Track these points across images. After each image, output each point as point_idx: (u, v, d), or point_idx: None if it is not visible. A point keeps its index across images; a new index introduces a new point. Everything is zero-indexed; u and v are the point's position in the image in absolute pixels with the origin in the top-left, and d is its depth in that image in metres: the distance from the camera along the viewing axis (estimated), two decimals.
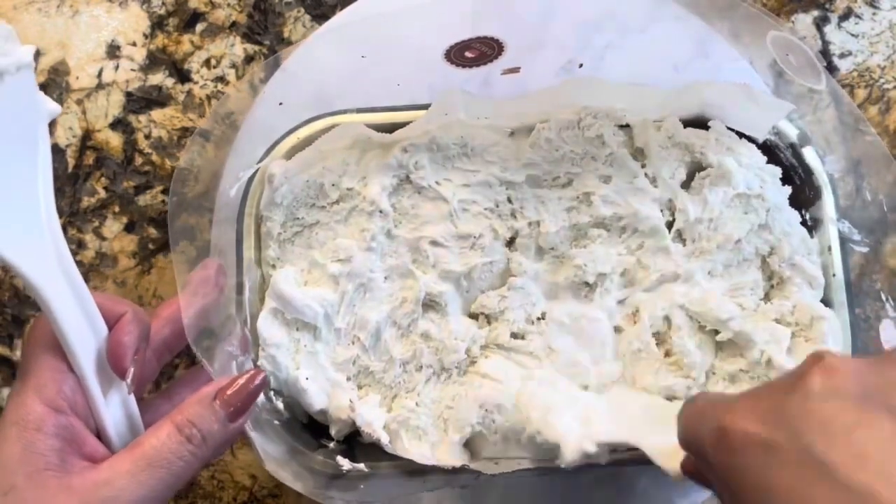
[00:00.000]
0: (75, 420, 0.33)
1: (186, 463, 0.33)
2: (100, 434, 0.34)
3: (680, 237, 0.43)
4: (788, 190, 0.42)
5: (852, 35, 0.49)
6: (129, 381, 0.34)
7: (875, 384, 0.22)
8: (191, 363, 0.46)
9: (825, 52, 0.49)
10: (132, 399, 0.35)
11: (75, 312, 0.33)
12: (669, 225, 0.43)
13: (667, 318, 0.42)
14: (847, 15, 0.49)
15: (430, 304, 0.42)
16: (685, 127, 0.43)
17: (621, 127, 0.43)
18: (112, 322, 0.35)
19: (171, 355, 0.39)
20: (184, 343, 0.37)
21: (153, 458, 0.32)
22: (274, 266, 0.42)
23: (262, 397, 0.41)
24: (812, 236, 0.42)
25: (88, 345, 0.34)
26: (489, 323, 0.43)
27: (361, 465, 0.40)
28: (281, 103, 0.42)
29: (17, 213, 0.32)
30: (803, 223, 0.42)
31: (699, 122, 0.43)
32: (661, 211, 0.43)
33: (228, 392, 0.34)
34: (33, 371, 0.33)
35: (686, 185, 0.43)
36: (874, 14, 0.49)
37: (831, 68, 0.48)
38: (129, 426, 0.35)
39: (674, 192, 0.42)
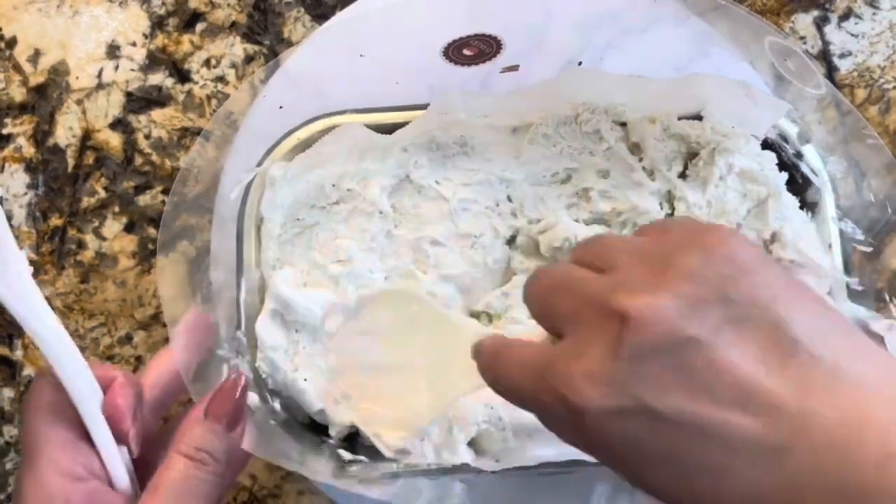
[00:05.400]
0: (97, 484, 0.33)
1: (209, 483, 0.33)
2: (115, 489, 0.34)
3: None
4: (785, 176, 0.42)
5: (852, 35, 0.49)
6: (132, 442, 0.34)
7: (681, 331, 0.23)
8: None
9: (825, 52, 0.49)
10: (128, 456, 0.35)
11: (78, 372, 0.34)
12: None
13: None
14: (847, 15, 0.49)
15: None
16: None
17: (618, 123, 0.43)
18: (104, 387, 0.35)
19: (166, 410, 0.39)
20: (179, 394, 0.37)
21: (178, 492, 0.32)
22: (274, 267, 0.42)
23: (258, 399, 0.41)
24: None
25: (95, 405, 0.34)
26: (490, 321, 0.43)
27: (362, 457, 0.40)
28: (281, 107, 0.42)
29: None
30: None
31: (697, 120, 0.43)
32: (661, 204, 0.43)
33: (215, 405, 0.34)
34: (42, 445, 0.33)
35: (683, 176, 0.43)
36: (874, 14, 0.49)
37: (831, 68, 0.48)
38: (134, 480, 0.35)
39: (672, 182, 0.42)
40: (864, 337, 0.25)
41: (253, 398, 0.41)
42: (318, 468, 0.40)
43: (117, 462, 0.34)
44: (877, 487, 0.21)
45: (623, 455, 0.24)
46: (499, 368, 0.28)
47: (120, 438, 0.34)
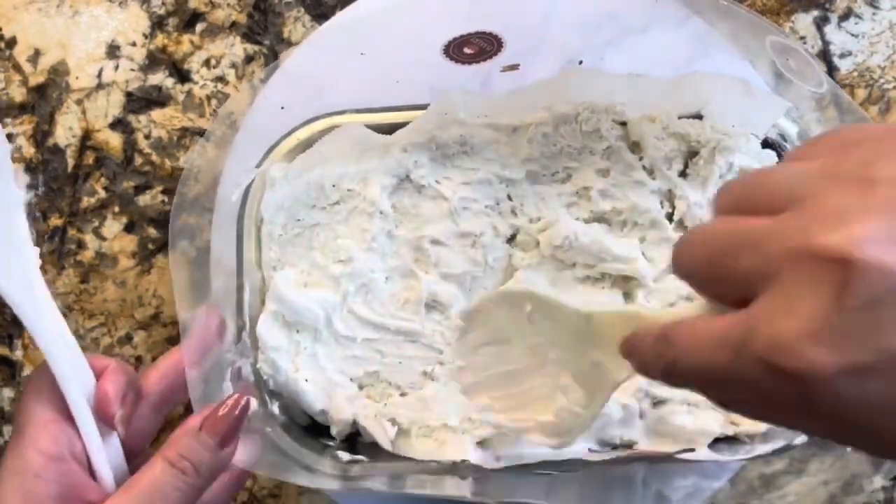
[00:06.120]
0: (75, 466, 0.34)
1: (183, 493, 0.33)
2: (96, 478, 0.35)
3: (682, 227, 0.43)
4: None
5: (852, 35, 0.49)
6: (118, 425, 0.35)
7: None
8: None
9: (825, 52, 0.49)
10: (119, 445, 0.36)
11: (67, 359, 0.35)
12: (670, 217, 0.43)
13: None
14: (847, 15, 0.49)
15: (433, 304, 0.42)
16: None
17: (618, 122, 0.43)
18: (99, 376, 0.36)
19: (170, 408, 0.39)
20: (184, 396, 0.38)
21: (150, 494, 0.33)
22: (275, 268, 0.42)
23: (256, 404, 0.41)
24: None
25: (81, 389, 0.35)
26: None
27: (361, 457, 0.40)
28: (283, 107, 0.42)
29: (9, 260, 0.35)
30: None
31: (697, 119, 0.43)
32: (661, 203, 0.43)
33: (213, 420, 0.35)
34: (29, 422, 0.34)
35: (683, 175, 0.43)
36: (874, 14, 0.49)
37: (831, 68, 0.48)
38: (124, 470, 0.36)
39: (672, 181, 0.42)
40: None
41: (252, 403, 0.40)
42: (317, 475, 0.40)
43: (99, 449, 0.35)
44: None
45: (870, 423, 0.20)
46: (677, 352, 0.24)
47: (107, 422, 0.35)
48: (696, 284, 0.24)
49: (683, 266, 0.24)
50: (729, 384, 0.22)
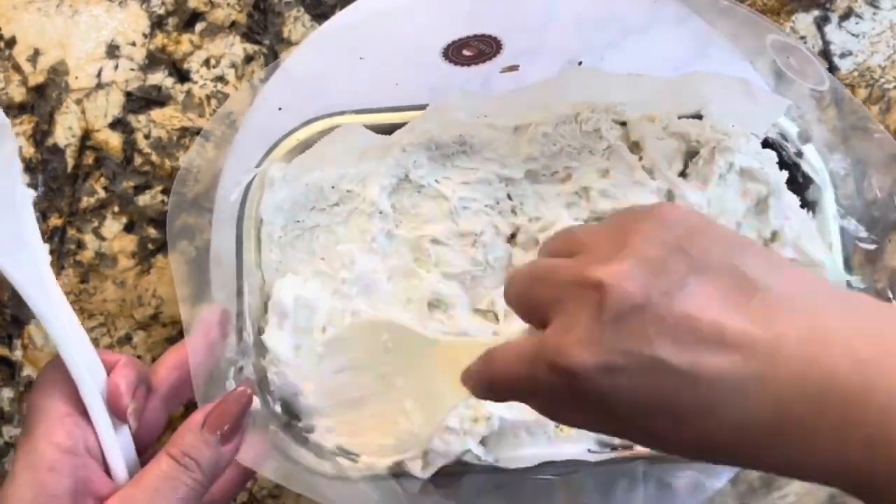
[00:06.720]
0: (89, 460, 0.34)
1: (188, 488, 0.34)
2: (110, 471, 0.35)
3: None
4: (786, 174, 0.42)
5: (853, 35, 0.49)
6: (130, 417, 0.35)
7: (653, 287, 0.26)
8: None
9: (826, 52, 0.49)
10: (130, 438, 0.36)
11: (80, 353, 0.35)
12: None
13: None
14: (847, 15, 0.49)
15: (436, 304, 0.42)
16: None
17: (618, 122, 0.43)
18: (110, 371, 0.36)
19: (179, 403, 0.39)
20: (192, 391, 0.38)
21: (157, 489, 0.33)
22: (277, 269, 0.42)
23: (259, 403, 0.41)
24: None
25: (94, 382, 0.35)
26: (497, 319, 0.43)
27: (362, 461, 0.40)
28: (280, 108, 0.42)
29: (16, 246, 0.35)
30: None
31: (697, 118, 0.43)
32: None
33: (216, 416, 0.35)
34: (43, 416, 0.34)
35: (683, 175, 0.43)
36: (875, 14, 0.49)
37: (832, 68, 0.48)
38: (136, 464, 0.36)
39: (672, 181, 0.42)
40: (799, 269, 0.30)
41: (255, 402, 0.40)
42: (319, 485, 0.40)
43: (113, 442, 0.35)
44: (856, 388, 0.23)
45: (618, 410, 0.26)
46: (493, 370, 0.30)
47: (119, 416, 0.35)
48: (517, 312, 0.30)
49: (507, 297, 0.31)
50: (532, 390, 0.28)
